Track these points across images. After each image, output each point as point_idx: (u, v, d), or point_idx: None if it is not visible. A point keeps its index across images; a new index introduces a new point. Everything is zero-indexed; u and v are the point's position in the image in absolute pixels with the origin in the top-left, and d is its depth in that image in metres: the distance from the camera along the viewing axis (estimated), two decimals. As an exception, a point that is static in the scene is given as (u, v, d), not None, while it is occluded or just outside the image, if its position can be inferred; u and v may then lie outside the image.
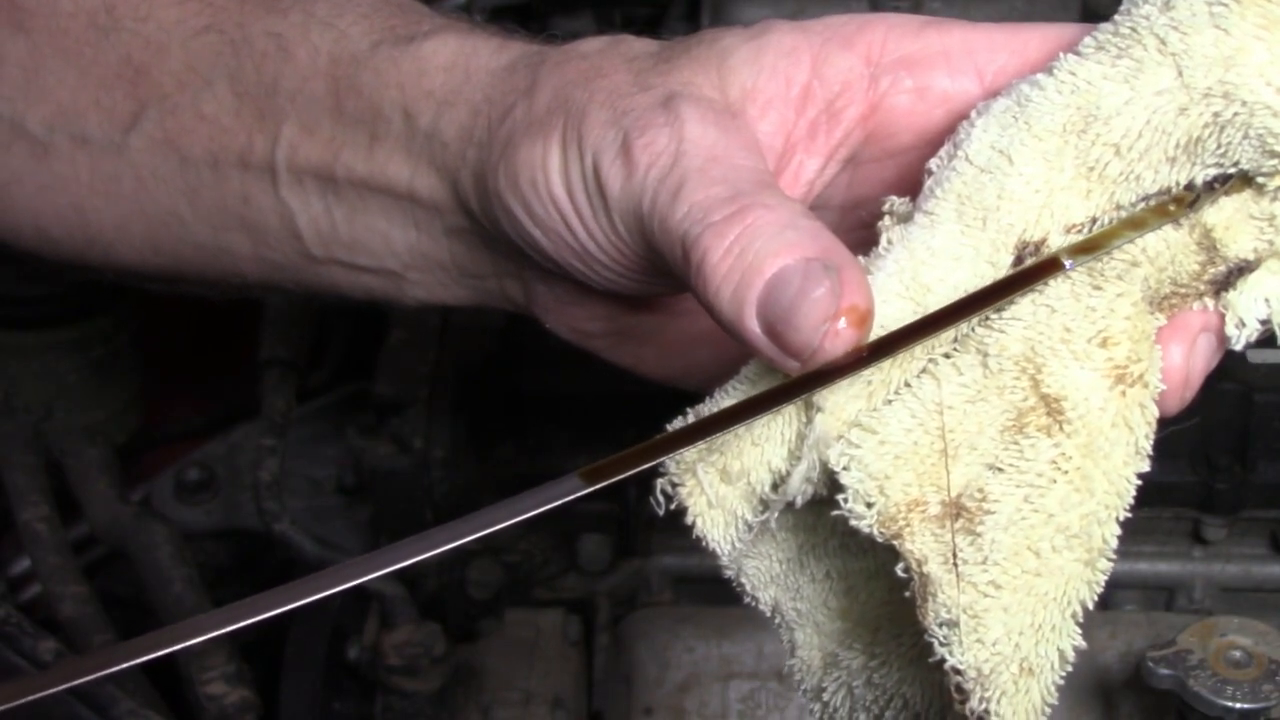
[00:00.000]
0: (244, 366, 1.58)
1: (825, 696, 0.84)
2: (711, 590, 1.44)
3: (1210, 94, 0.74)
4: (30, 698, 0.64)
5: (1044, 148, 0.76)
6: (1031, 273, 0.75)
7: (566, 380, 1.42)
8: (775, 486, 0.77)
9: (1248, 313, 0.77)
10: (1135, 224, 0.76)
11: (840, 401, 0.74)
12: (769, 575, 0.83)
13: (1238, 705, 1.14)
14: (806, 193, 0.83)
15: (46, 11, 1.00)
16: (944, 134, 0.81)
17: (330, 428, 1.55)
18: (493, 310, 1.47)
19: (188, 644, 0.67)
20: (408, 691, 1.33)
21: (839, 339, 0.71)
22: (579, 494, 0.73)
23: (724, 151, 0.78)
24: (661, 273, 0.80)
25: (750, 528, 0.79)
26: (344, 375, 1.62)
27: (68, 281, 1.51)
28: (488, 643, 1.41)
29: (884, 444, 0.74)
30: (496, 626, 1.42)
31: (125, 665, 0.66)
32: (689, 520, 0.78)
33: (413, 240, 0.92)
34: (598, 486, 0.73)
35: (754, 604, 0.84)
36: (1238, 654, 1.16)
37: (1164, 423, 0.77)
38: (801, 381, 0.73)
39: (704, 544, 0.79)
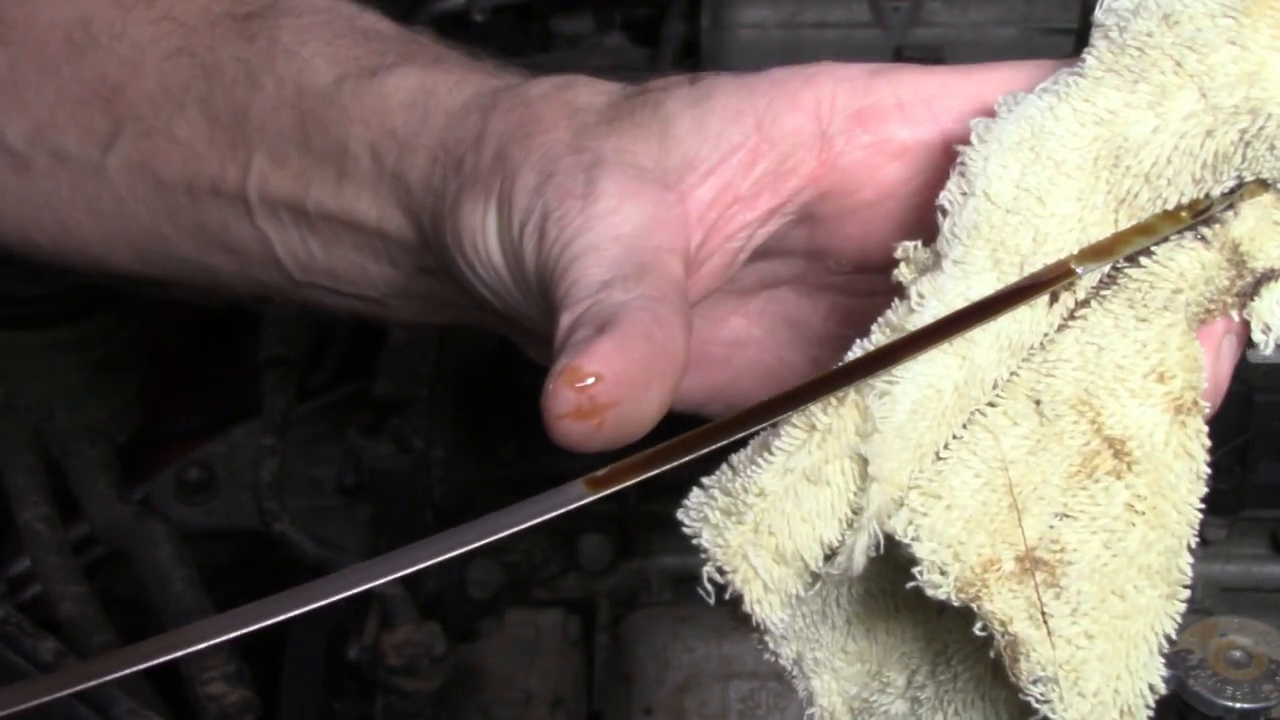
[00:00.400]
0: (244, 366, 1.58)
1: None
2: (711, 590, 1.44)
3: (1237, 111, 0.73)
4: (34, 702, 0.64)
5: (1076, 186, 0.74)
6: (1040, 282, 0.73)
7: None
8: (827, 558, 0.74)
9: (1272, 316, 0.76)
10: (1146, 230, 0.74)
11: (893, 468, 0.72)
12: (792, 630, 0.80)
13: (1238, 705, 1.13)
14: (744, 244, 0.81)
15: (25, 24, 0.99)
16: (907, 184, 0.79)
17: (330, 428, 1.55)
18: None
19: (190, 650, 0.67)
20: (408, 691, 1.33)
21: (565, 430, 0.71)
22: (583, 502, 0.71)
23: (630, 230, 0.76)
24: None
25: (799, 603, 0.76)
26: (344, 375, 1.62)
27: (68, 281, 1.51)
28: (488, 643, 1.41)
29: (951, 508, 0.71)
30: (496, 626, 1.43)
31: (128, 671, 0.66)
32: (746, 609, 0.74)
33: (389, 274, 0.91)
34: (602, 494, 0.71)
35: (774, 659, 0.81)
36: (1238, 654, 1.15)
37: (1218, 441, 0.76)
38: (835, 376, 0.71)
39: (759, 628, 0.76)
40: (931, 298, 0.73)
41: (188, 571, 1.33)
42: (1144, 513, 0.72)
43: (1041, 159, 0.74)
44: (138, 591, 1.35)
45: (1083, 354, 0.73)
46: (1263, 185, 0.75)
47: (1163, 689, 0.73)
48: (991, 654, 0.71)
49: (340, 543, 1.45)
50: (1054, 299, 0.74)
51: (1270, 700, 1.14)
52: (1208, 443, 0.74)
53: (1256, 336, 0.76)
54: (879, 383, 0.72)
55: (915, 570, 0.71)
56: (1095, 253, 0.74)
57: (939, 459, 0.72)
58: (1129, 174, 0.74)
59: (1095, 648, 0.71)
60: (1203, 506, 0.75)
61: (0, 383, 1.53)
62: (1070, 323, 0.74)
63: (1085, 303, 0.75)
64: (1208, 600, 1.42)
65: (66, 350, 1.54)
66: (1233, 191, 0.75)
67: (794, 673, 0.81)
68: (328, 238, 0.92)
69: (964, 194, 0.74)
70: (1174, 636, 0.74)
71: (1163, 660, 0.74)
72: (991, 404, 0.73)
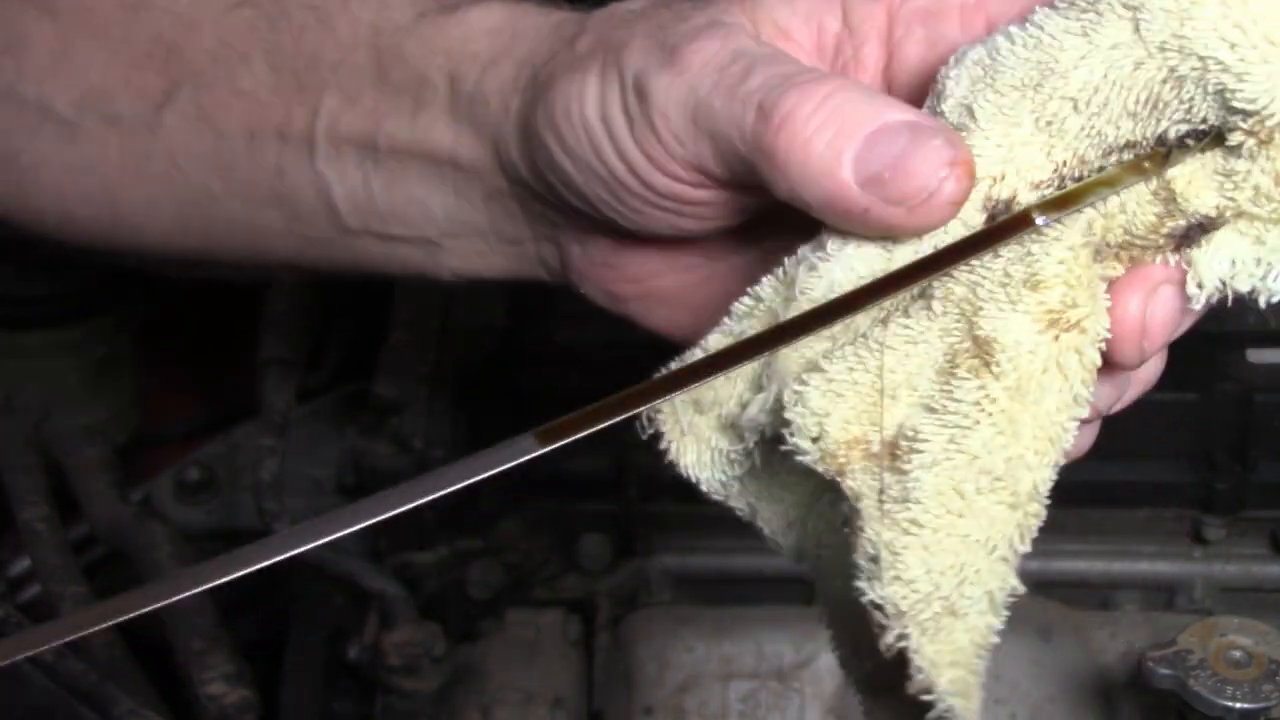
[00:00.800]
0: (244, 366, 1.58)
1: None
2: (711, 590, 1.44)
3: (1166, 48, 0.74)
4: (21, 655, 0.64)
5: (1002, 102, 0.76)
6: (1002, 229, 0.75)
7: (567, 379, 1.42)
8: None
9: (1208, 271, 0.76)
10: (1108, 181, 0.76)
11: (805, 340, 0.77)
12: (787, 522, 0.86)
13: (1238, 705, 1.13)
14: None
15: None
16: None
17: (330, 428, 1.55)
18: (493, 310, 1.48)
19: (166, 601, 0.67)
20: (408, 691, 1.33)
21: (957, 185, 0.74)
22: (534, 455, 0.74)
23: (780, 53, 0.80)
24: (708, 176, 0.80)
25: (732, 462, 0.82)
26: (344, 375, 1.62)
27: (68, 282, 1.51)
28: (488, 643, 1.41)
29: (832, 382, 0.75)
30: (496, 626, 1.42)
31: (105, 624, 0.66)
32: (663, 445, 0.82)
33: (451, 207, 0.93)
34: (553, 447, 0.74)
35: (779, 550, 0.87)
36: (1238, 654, 1.16)
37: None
38: (765, 338, 0.76)
39: (679, 470, 0.82)
40: None
41: (188, 571, 1.33)
42: (992, 414, 0.74)
43: (986, 77, 0.77)
44: (138, 591, 1.35)
45: (982, 259, 0.76)
46: (1219, 140, 0.76)
47: (1001, 599, 0.75)
48: (845, 529, 0.75)
49: (340, 542, 1.45)
50: (986, 211, 0.76)
51: (1270, 700, 1.14)
52: (1092, 368, 0.76)
53: (1190, 289, 0.76)
54: (813, 257, 0.77)
55: (786, 432, 0.76)
56: (1057, 203, 0.76)
57: (849, 345, 0.77)
58: (1055, 96, 0.75)
59: (921, 536, 0.73)
60: (1075, 429, 0.76)
61: (0, 383, 1.53)
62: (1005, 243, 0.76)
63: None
64: (1208, 600, 1.42)
65: (66, 350, 1.54)
66: (1189, 140, 0.76)
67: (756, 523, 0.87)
68: (393, 173, 0.93)
69: (931, 111, 0.78)
70: (1020, 551, 0.75)
71: (1011, 572, 0.75)
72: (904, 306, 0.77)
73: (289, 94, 0.95)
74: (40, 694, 1.09)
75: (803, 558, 0.86)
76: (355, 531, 0.72)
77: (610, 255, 0.90)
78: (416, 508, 0.73)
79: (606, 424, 0.75)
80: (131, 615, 0.67)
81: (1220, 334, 1.38)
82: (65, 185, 1.02)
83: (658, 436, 0.82)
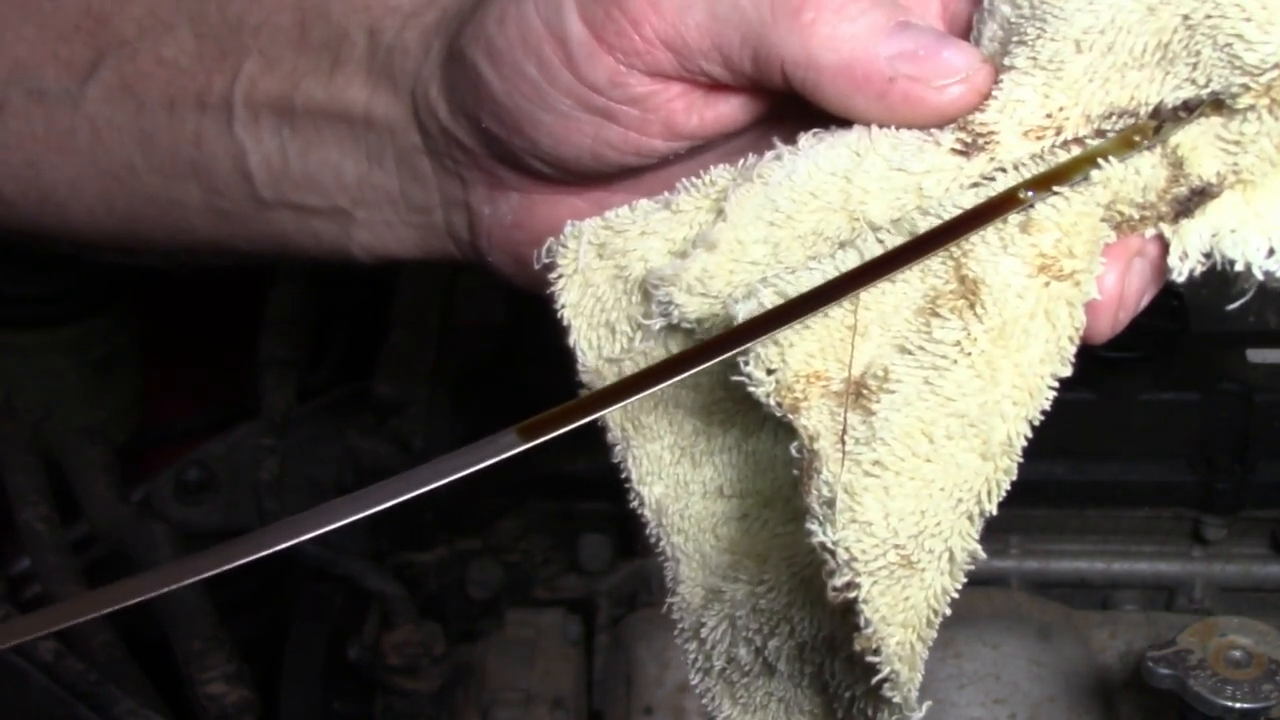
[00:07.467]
0: (244, 366, 1.58)
1: (704, 633, 0.82)
2: (711, 590, 1.44)
3: None
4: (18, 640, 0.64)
5: (994, 49, 0.76)
6: (991, 207, 0.74)
7: (567, 379, 1.42)
8: (645, 287, 0.78)
9: (1192, 244, 0.73)
10: (1100, 153, 0.74)
11: (745, 218, 0.75)
12: (659, 464, 0.82)
13: (1238, 705, 1.13)
14: None
15: None
16: None
17: (330, 428, 1.55)
18: (492, 309, 1.48)
19: (157, 592, 0.67)
20: (408, 691, 1.33)
21: (987, 77, 0.75)
22: (515, 451, 0.73)
23: None
24: (676, 54, 0.78)
25: (613, 330, 0.80)
26: (344, 375, 1.62)
27: (68, 281, 1.51)
28: (488, 643, 1.41)
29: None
30: (496, 626, 1.42)
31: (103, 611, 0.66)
32: (552, 276, 0.80)
33: (364, 171, 0.93)
34: (534, 443, 0.73)
35: (638, 507, 0.82)
36: (1238, 654, 1.16)
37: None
38: (743, 331, 0.73)
39: (556, 305, 0.80)
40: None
41: (188, 571, 1.33)
42: (970, 355, 0.72)
43: (989, 23, 0.76)
44: (137, 591, 1.35)
45: (975, 200, 0.74)
46: (1217, 108, 0.74)
47: (962, 560, 0.72)
48: (795, 471, 0.72)
49: (341, 543, 1.45)
50: (967, 153, 0.75)
51: (1270, 700, 1.14)
52: (1080, 324, 0.73)
53: (1172, 261, 0.74)
54: (783, 148, 0.76)
55: (741, 360, 0.73)
56: (1045, 180, 0.74)
57: (810, 270, 0.74)
58: (1058, 37, 0.74)
59: (883, 479, 0.70)
60: (1056, 385, 0.73)
61: (0, 383, 1.53)
62: (982, 182, 0.75)
63: (1003, 170, 0.75)
64: (1208, 600, 1.42)
65: (66, 350, 1.54)
66: (1182, 112, 0.74)
67: (659, 549, 0.83)
68: (309, 138, 0.93)
69: None
70: (989, 509, 0.72)
71: (974, 531, 0.72)
72: (880, 239, 0.75)
73: (210, 62, 0.95)
74: (40, 694, 1.09)
75: (663, 532, 0.82)
76: (333, 531, 0.71)
77: (520, 212, 0.89)
78: (396, 506, 0.72)
79: (588, 419, 0.73)
80: (120, 606, 0.67)
81: (1220, 334, 1.39)
82: None
83: (552, 266, 0.80)
